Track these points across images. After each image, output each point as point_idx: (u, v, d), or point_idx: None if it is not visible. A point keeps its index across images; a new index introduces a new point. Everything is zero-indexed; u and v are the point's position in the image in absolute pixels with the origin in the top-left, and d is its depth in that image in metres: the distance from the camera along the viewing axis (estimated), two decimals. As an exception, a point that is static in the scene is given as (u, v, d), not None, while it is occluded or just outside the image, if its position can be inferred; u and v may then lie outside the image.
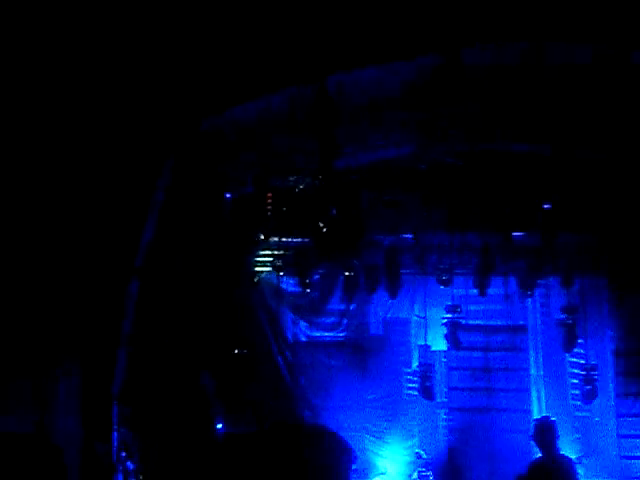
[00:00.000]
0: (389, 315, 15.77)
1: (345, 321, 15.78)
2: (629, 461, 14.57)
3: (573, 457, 11.79)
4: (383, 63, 12.22)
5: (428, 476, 14.59)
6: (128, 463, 13.23)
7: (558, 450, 10.04)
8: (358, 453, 12.99)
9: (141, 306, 13.80)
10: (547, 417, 11.55)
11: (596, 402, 14.69)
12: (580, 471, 11.45)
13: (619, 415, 14.83)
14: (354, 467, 12.01)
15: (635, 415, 14.76)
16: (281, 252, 15.24)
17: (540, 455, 9.98)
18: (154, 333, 13.71)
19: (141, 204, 13.36)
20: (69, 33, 11.39)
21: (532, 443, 10.31)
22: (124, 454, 13.27)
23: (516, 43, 12.49)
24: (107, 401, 13.36)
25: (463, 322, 14.91)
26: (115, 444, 13.28)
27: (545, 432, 9.92)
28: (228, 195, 14.78)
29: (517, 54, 12.66)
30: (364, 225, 14.67)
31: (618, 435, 14.77)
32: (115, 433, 13.33)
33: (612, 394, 14.90)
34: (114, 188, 12.61)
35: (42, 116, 12.05)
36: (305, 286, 15.45)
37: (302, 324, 15.91)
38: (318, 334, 15.90)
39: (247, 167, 14.33)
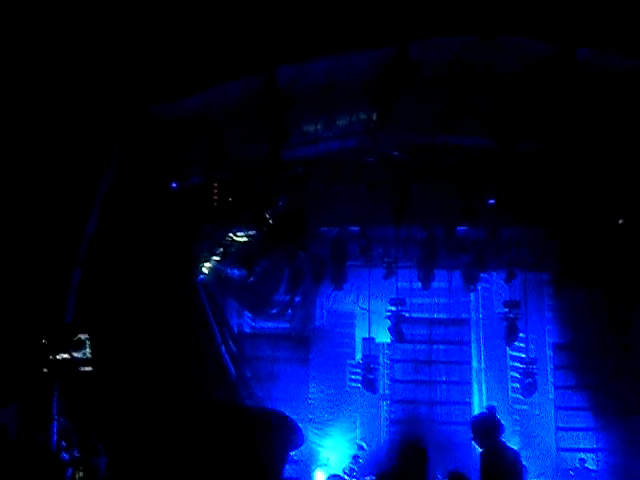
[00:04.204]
0: (333, 307, 15.83)
1: (289, 312, 15.78)
2: (567, 453, 14.85)
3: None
4: (334, 54, 12.14)
5: (353, 469, 14.65)
6: (64, 454, 13.02)
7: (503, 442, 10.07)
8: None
9: (83, 296, 13.58)
10: (491, 407, 11.63)
11: (535, 395, 14.96)
12: (519, 463, 11.53)
13: (558, 408, 15.09)
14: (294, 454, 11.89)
15: (573, 408, 15.02)
16: (227, 242, 15.16)
17: (484, 448, 10.00)
18: (97, 323, 13.51)
19: (86, 192, 13.14)
20: (22, 21, 11.16)
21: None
22: (64, 444, 13.06)
23: (463, 37, 12.52)
24: (48, 391, 13.12)
25: (407, 315, 15.01)
26: (55, 435, 13.06)
27: (490, 425, 9.94)
28: (174, 185, 14.61)
29: (464, 49, 12.69)
30: (310, 217, 14.67)
31: (556, 428, 15.04)
32: (55, 423, 13.11)
33: (551, 387, 15.18)
34: (59, 176, 12.38)
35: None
36: (250, 277, 15.40)
37: (247, 315, 15.85)
38: (262, 325, 15.88)
39: (194, 157, 14.18)
